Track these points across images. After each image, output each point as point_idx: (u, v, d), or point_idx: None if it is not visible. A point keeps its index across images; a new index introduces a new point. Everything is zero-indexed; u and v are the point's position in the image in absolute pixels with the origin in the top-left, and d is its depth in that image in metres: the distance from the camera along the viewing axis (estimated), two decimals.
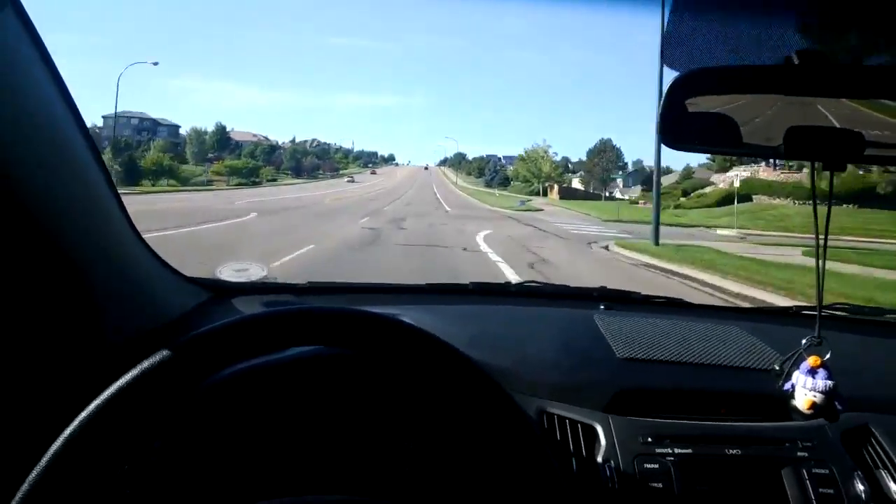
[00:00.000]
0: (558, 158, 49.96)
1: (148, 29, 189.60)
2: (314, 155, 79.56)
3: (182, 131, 64.44)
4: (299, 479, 0.64)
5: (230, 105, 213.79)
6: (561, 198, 41.55)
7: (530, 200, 29.97)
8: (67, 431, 0.41)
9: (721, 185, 31.16)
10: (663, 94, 0.62)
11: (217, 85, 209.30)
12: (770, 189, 27.52)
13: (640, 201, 29.91)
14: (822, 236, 0.75)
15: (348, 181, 57.23)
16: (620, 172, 47.19)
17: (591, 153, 45.58)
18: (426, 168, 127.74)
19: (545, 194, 44.33)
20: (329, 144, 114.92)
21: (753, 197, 26.56)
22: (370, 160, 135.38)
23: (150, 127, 67.23)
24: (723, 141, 0.67)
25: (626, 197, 42.26)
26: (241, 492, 0.54)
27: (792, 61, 0.60)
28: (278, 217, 14.44)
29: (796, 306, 1.22)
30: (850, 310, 1.18)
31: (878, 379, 0.86)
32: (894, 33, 0.64)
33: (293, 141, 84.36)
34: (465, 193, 44.54)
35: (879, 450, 0.74)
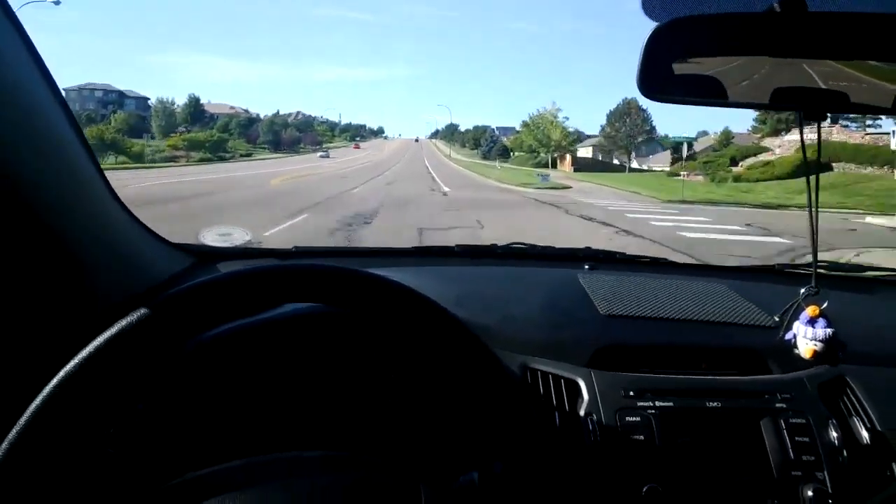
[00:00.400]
0: (569, 125, 42.29)
1: (133, 3, 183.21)
2: (295, 128, 74.37)
3: (151, 103, 60.43)
4: (283, 436, 0.66)
5: (215, 79, 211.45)
6: (575, 170, 36.12)
7: (548, 174, 24.07)
8: (46, 390, 0.42)
9: (778, 151, 25.68)
10: (643, 45, 0.61)
11: (201, 59, 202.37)
12: (859, 154, 22.69)
13: (682, 173, 24.12)
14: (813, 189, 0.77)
15: (321, 156, 50.18)
16: (648, 138, 38.82)
17: (612, 116, 37.89)
18: (416, 140, 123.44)
19: (554, 166, 38.53)
20: (313, 117, 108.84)
21: (833, 165, 21.93)
22: (358, 133, 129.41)
23: (116, 99, 63.61)
24: (704, 92, 0.67)
25: (654, 168, 35.73)
26: (225, 450, 0.55)
27: (773, 10, 0.60)
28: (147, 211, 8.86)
29: (780, 264, 1.23)
30: (834, 266, 1.22)
31: (856, 333, 0.88)
32: None
33: (276, 114, 79.28)
34: (462, 167, 39.07)
35: (854, 399, 0.77)
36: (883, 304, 1.12)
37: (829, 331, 0.77)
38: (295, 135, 66.86)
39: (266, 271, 0.48)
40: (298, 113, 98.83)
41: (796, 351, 0.80)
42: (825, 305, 0.79)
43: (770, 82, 0.65)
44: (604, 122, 39.83)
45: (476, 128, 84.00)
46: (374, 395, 0.70)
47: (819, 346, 0.78)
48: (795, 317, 0.81)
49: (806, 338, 0.79)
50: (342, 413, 0.69)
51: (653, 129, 38.39)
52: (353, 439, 0.67)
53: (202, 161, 35.55)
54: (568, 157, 39.55)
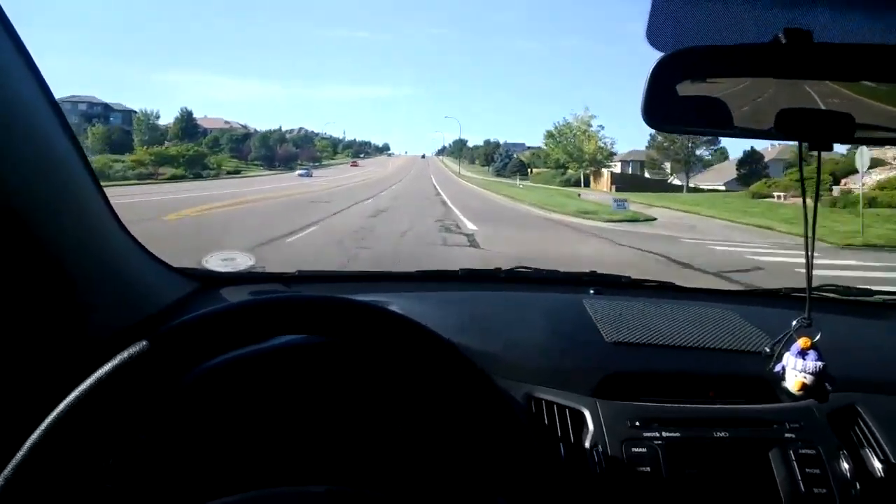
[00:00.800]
0: (604, 135, 36.07)
1: (138, 23, 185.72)
2: (292, 143, 68.96)
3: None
4: (285, 469, 0.66)
5: (218, 98, 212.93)
6: (617, 188, 28.75)
7: (624, 200, 15.85)
8: (44, 424, 0.42)
9: None
10: (647, 74, 0.63)
11: (204, 78, 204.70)
12: None
13: (776, 194, 18.32)
14: (811, 217, 0.77)
15: (301, 174, 36.96)
16: (707, 151, 32.26)
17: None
18: (423, 157, 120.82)
19: (587, 184, 32.54)
20: (316, 133, 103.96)
21: None
22: (362, 150, 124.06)
23: (101, 112, 60.09)
24: (709, 122, 0.68)
25: (705, 186, 29.63)
26: (226, 482, 0.55)
27: (779, 40, 0.60)
28: None
29: (785, 289, 1.22)
30: (839, 291, 1.20)
31: (865, 359, 0.88)
32: (883, 10, 0.64)
33: (276, 130, 74.25)
34: (477, 185, 31.77)
35: (865, 429, 0.76)
36: (893, 329, 1.11)
37: (818, 364, 0.77)
38: (291, 150, 61.73)
39: (269, 302, 0.49)
40: (301, 129, 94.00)
41: (784, 384, 0.79)
42: (818, 338, 0.78)
43: (775, 112, 0.66)
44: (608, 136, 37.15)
45: (487, 143, 77.10)
46: (376, 428, 0.70)
47: (809, 378, 0.77)
48: (787, 348, 0.80)
49: (795, 370, 0.78)
50: (343, 447, 0.68)
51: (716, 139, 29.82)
52: (354, 474, 0.66)
53: (173, 179, 30.52)
54: (605, 173, 32.80)
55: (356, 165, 69.40)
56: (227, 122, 67.59)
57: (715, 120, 0.66)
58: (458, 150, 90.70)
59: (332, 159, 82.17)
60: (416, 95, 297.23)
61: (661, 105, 0.64)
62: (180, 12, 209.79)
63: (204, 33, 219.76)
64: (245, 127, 66.04)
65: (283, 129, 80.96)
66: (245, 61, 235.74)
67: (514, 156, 57.30)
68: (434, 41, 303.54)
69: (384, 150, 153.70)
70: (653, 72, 0.62)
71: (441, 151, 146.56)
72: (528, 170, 47.88)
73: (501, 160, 56.62)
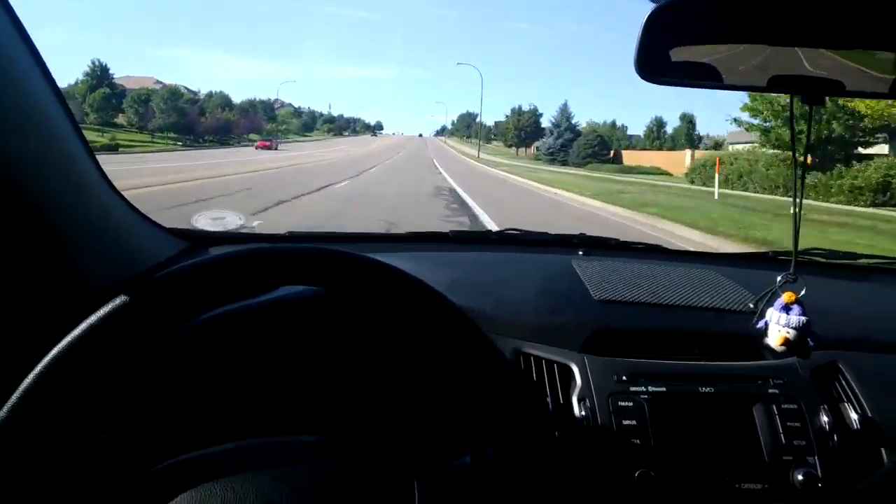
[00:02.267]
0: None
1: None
2: (230, 109, 53.81)
3: None
4: (277, 419, 0.66)
5: (208, 73, 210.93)
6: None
7: None
8: (33, 374, 0.42)
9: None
10: (641, 26, 0.62)
11: (191, 53, 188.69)
12: None
13: None
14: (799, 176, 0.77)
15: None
16: None
17: None
18: (420, 136, 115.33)
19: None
20: (298, 107, 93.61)
21: None
22: (347, 126, 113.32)
23: None
24: (702, 74, 0.67)
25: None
26: (220, 433, 0.56)
27: None
28: None
29: (772, 251, 1.25)
30: (825, 254, 1.22)
31: (848, 319, 0.90)
32: None
33: (219, 94, 61.26)
34: (537, 184, 16.47)
35: (845, 384, 0.78)
36: (877, 291, 1.14)
37: (802, 318, 0.76)
38: (223, 118, 47.89)
39: (260, 254, 0.49)
40: (276, 100, 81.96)
41: (766, 340, 0.79)
42: (802, 293, 0.78)
43: (768, 65, 0.66)
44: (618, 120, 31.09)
45: (517, 111, 51.51)
46: (367, 379, 0.70)
47: (791, 333, 0.76)
48: (771, 303, 0.80)
49: (779, 324, 0.78)
50: (334, 398, 0.69)
51: None
52: (345, 424, 0.67)
53: None
54: None
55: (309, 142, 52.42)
56: (158, 82, 58.49)
57: (707, 73, 0.66)
58: (465, 127, 75.13)
59: (303, 134, 67.62)
60: (413, 76, 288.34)
61: (653, 58, 0.63)
62: None
63: (193, 7, 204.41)
64: (189, 90, 55.25)
65: (259, 98, 69.67)
66: (239, 39, 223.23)
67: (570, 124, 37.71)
68: (434, 20, 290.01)
69: (376, 128, 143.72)
70: (645, 24, 0.61)
71: (441, 131, 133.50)
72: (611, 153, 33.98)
73: (559, 135, 36.78)
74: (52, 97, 0.65)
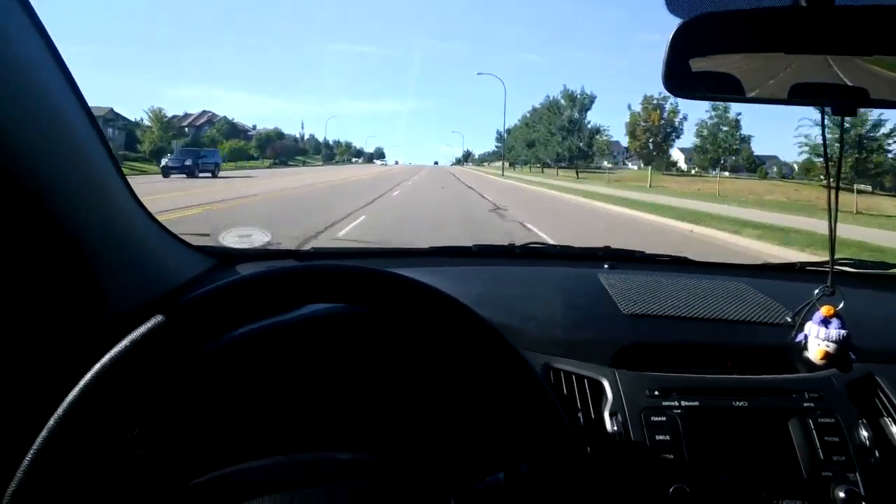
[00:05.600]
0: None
1: (149, 41, 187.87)
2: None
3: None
4: (312, 437, 0.67)
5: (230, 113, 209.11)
6: None
7: None
8: (70, 395, 0.43)
9: None
10: (668, 41, 0.63)
11: (206, 94, 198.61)
12: None
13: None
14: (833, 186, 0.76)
15: None
16: None
17: None
18: (435, 164, 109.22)
19: None
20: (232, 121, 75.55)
21: None
22: (345, 152, 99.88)
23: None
24: (729, 88, 0.67)
25: None
26: (256, 450, 0.57)
27: (799, 4, 0.61)
28: None
29: (801, 262, 1.22)
30: (856, 264, 1.20)
31: (883, 330, 0.89)
32: None
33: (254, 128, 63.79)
34: None
35: (884, 398, 0.76)
36: None
37: (842, 332, 0.76)
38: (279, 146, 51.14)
39: (289, 272, 0.49)
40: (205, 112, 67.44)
41: (806, 353, 0.79)
42: (841, 306, 0.78)
43: (796, 78, 0.66)
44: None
45: (568, 93, 38.25)
46: (400, 396, 0.70)
47: (831, 346, 0.76)
48: (809, 317, 0.80)
49: (818, 338, 0.78)
50: (368, 415, 0.69)
51: None
52: (379, 442, 0.67)
53: None
54: None
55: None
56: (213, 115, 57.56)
57: (735, 86, 0.66)
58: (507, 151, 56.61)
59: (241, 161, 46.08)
60: (423, 108, 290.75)
61: (680, 72, 0.64)
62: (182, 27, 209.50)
63: (206, 46, 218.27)
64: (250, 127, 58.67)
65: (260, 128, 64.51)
66: (247, 76, 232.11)
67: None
68: (441, 55, 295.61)
69: (378, 156, 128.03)
70: (672, 39, 0.62)
71: (465, 158, 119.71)
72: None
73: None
74: (84, 119, 0.68)
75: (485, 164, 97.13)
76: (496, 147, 75.60)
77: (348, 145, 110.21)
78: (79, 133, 0.66)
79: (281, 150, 56.05)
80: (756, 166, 45.29)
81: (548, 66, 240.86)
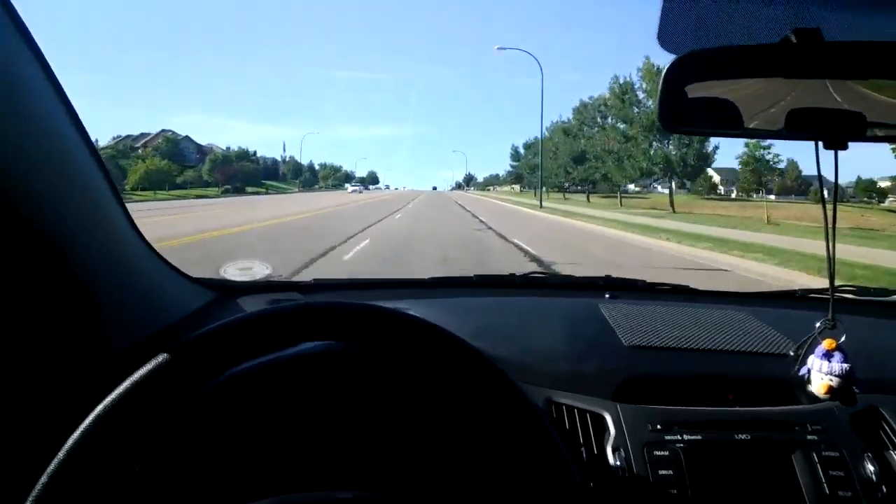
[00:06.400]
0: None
1: (150, 70, 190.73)
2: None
3: None
4: (311, 476, 0.67)
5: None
6: None
7: None
8: (75, 435, 0.43)
9: None
10: (661, 78, 0.63)
11: (201, 120, 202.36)
12: None
13: None
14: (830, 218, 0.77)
15: None
16: None
17: None
18: (434, 189, 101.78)
19: None
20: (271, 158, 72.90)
21: None
22: (314, 179, 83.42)
23: None
24: (723, 122, 0.68)
25: None
26: (253, 488, 0.56)
27: (789, 40, 0.61)
28: None
29: (802, 290, 1.22)
30: (857, 291, 1.20)
31: (886, 360, 0.88)
32: (892, 8, 0.65)
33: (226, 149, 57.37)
34: None
35: (889, 431, 0.76)
36: None
37: (845, 366, 0.75)
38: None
39: (289, 311, 0.50)
40: (255, 153, 65.52)
41: (810, 387, 0.78)
42: (843, 339, 0.77)
43: (787, 112, 0.66)
44: None
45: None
46: (399, 433, 0.70)
47: (835, 381, 0.75)
48: (811, 350, 0.79)
49: (821, 372, 0.77)
50: (367, 453, 0.69)
51: None
52: (378, 480, 0.67)
53: None
54: None
55: None
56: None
57: (728, 121, 0.67)
58: (526, 171, 48.85)
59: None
60: (420, 134, 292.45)
61: (674, 108, 0.65)
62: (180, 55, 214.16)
63: (205, 74, 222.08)
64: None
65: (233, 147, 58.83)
66: (246, 105, 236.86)
67: None
68: (437, 80, 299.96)
69: (372, 181, 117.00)
70: (665, 75, 0.63)
71: (467, 183, 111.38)
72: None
73: None
74: (90, 158, 0.68)
75: (490, 188, 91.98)
76: (511, 167, 61.89)
77: (335, 168, 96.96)
78: (76, 159, 0.67)
79: (234, 173, 48.46)
80: (806, 187, 43.15)
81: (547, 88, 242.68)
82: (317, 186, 77.01)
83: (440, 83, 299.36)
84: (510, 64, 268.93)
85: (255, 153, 60.37)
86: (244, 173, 49.90)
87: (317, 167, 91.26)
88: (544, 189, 29.92)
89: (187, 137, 56.37)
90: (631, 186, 41.12)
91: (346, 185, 77.28)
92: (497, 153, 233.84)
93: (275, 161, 73.14)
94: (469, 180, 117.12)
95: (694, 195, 33.10)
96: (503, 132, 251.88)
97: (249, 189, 49.21)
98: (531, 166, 44.96)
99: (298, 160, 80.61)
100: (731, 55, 0.64)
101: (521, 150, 56.36)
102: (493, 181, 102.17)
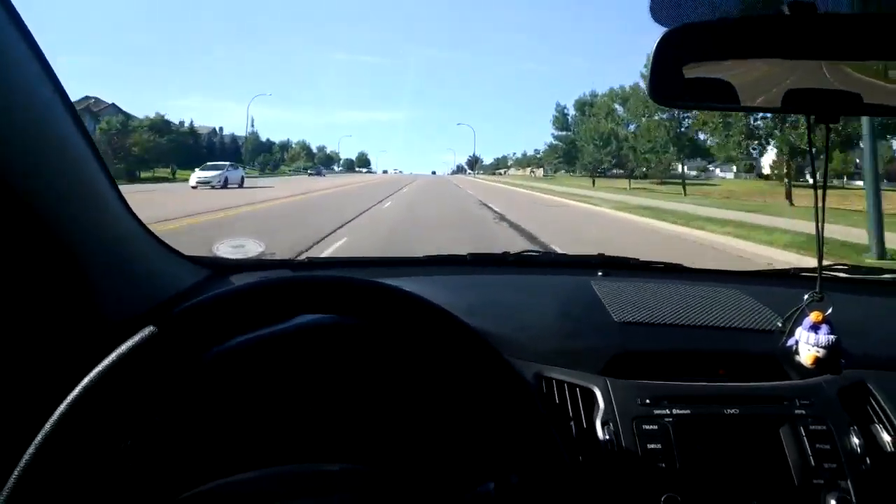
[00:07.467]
0: None
1: (149, 50, 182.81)
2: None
3: None
4: (301, 448, 0.67)
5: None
6: None
7: None
8: (61, 407, 0.43)
9: None
10: (652, 50, 0.63)
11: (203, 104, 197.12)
12: None
13: None
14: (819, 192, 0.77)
15: None
16: None
17: None
18: (433, 173, 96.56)
19: None
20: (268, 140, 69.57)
21: None
22: (277, 161, 73.59)
23: None
24: (715, 96, 0.68)
25: None
26: (245, 461, 0.57)
27: (783, 12, 0.61)
28: None
29: (794, 268, 1.23)
30: (849, 270, 1.21)
31: (875, 337, 0.89)
32: None
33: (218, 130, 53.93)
34: None
35: (875, 405, 0.77)
36: None
37: (831, 337, 0.78)
38: None
39: (281, 283, 0.50)
40: (220, 130, 61.53)
41: (797, 358, 0.80)
42: (829, 311, 0.79)
43: (781, 85, 0.66)
44: None
45: None
46: (389, 406, 0.71)
47: (821, 352, 0.78)
48: (799, 322, 0.81)
49: (808, 343, 0.79)
50: (357, 426, 0.70)
51: None
52: (369, 452, 0.68)
53: None
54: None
55: None
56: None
57: (720, 95, 0.67)
58: (564, 152, 39.61)
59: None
60: (417, 117, 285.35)
61: (666, 81, 0.65)
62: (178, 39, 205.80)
63: (202, 57, 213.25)
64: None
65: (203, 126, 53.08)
66: (245, 86, 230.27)
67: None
68: (437, 63, 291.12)
69: (363, 164, 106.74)
70: (657, 48, 0.63)
71: (471, 166, 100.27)
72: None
73: None
74: (81, 138, 0.68)
75: (499, 171, 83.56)
76: (553, 137, 43.63)
77: (304, 146, 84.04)
78: (68, 139, 0.67)
79: (131, 148, 29.67)
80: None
81: (548, 74, 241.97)
82: (281, 171, 65.37)
83: (441, 66, 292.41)
84: (512, 46, 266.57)
85: (190, 124, 48.42)
86: (158, 150, 34.66)
87: (294, 145, 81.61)
88: (575, 173, 24.60)
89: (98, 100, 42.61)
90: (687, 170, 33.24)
91: (308, 171, 63.39)
92: (507, 134, 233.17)
93: (233, 138, 63.32)
94: (473, 163, 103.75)
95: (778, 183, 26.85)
96: (511, 112, 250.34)
97: (158, 173, 33.52)
98: (592, 135, 33.83)
99: (262, 137, 70.56)
100: (724, 28, 0.64)
101: (571, 112, 41.22)
102: (502, 164, 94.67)
